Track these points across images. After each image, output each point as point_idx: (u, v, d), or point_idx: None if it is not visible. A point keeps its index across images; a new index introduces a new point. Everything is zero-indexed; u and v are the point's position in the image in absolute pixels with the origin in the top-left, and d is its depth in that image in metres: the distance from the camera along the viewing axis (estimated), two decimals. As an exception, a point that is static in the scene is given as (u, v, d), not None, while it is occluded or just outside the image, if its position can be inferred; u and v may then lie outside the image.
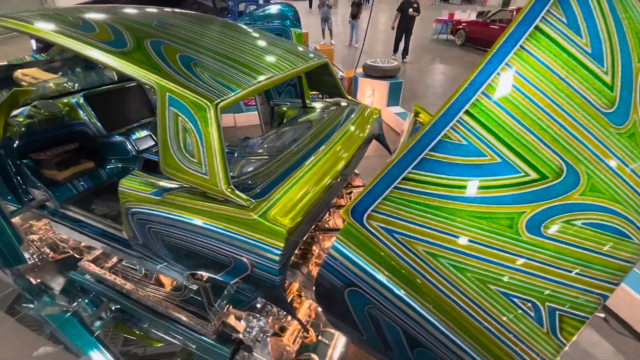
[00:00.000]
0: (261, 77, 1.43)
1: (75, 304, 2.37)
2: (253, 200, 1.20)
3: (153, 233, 1.39)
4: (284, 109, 2.50)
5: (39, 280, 2.60)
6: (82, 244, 2.50)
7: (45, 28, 1.35)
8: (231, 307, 1.84)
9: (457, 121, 0.96)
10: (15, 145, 1.92)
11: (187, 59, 1.35)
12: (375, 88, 4.67)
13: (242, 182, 1.34)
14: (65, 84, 2.49)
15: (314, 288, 1.14)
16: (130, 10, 1.73)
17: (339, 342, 1.95)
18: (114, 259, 2.30)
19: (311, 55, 1.99)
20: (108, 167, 2.44)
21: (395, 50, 8.26)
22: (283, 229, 1.14)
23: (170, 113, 1.22)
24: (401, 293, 1.01)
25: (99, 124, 2.24)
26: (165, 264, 1.58)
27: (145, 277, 2.23)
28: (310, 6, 18.00)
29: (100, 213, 2.05)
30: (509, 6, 22.16)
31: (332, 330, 2.00)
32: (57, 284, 2.61)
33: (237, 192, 1.20)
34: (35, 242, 2.59)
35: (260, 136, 2.04)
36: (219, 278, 1.32)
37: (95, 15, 1.51)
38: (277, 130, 2.06)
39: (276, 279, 1.17)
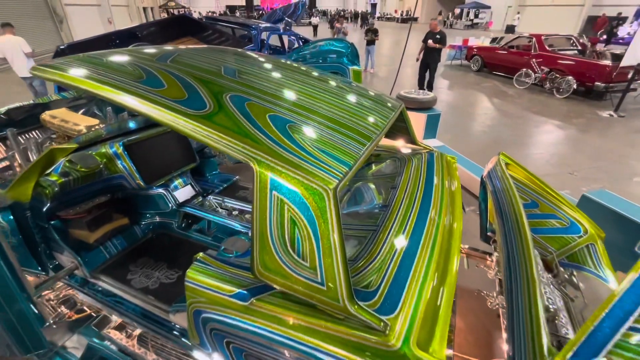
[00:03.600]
0: (366, 141, 1.15)
1: None
2: (385, 319, 0.88)
3: (234, 350, 1.05)
4: None
5: (59, 346, 2.23)
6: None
7: (106, 83, 1.07)
8: None
9: None
10: (45, 208, 1.62)
11: (280, 120, 1.07)
12: (411, 120, 4.43)
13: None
14: (98, 128, 2.23)
15: None
16: (188, 52, 1.48)
17: None
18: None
19: (389, 100, 1.73)
20: (143, 222, 2.13)
21: (420, 85, 7.59)
22: None
23: (273, 199, 0.91)
24: None
25: (138, 177, 1.95)
26: None
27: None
28: (315, 34, 18.16)
29: (139, 286, 1.72)
30: (514, 31, 22.59)
31: None
32: (78, 349, 2.23)
33: (366, 309, 0.87)
34: (50, 301, 2.25)
35: None
36: None
37: (154, 64, 1.24)
38: (350, 186, 1.76)
39: None
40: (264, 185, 0.92)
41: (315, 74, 1.64)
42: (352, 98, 1.46)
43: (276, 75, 1.46)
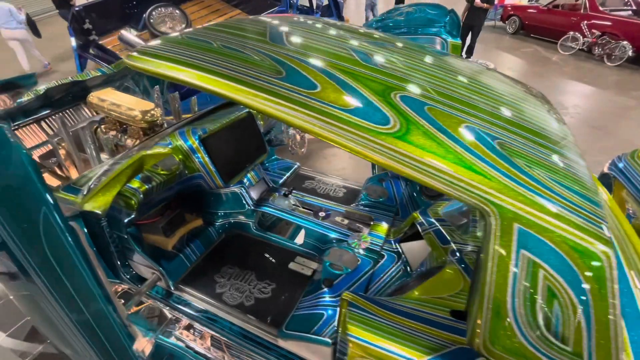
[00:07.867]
0: (579, 158, 0.88)
1: None
2: None
3: None
4: None
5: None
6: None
7: (248, 85, 0.79)
8: None
9: None
10: (127, 219, 1.39)
11: (483, 135, 0.79)
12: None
13: None
14: (153, 113, 1.93)
15: None
16: (292, 26, 1.15)
17: None
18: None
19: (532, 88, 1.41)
20: (217, 222, 1.91)
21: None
22: None
23: (520, 260, 0.66)
24: None
25: (217, 176, 1.69)
26: None
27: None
28: None
29: (233, 302, 1.54)
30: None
31: None
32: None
33: None
34: None
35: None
36: None
37: (281, 50, 0.93)
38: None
39: None
40: (507, 241, 0.66)
41: (450, 56, 1.31)
42: (518, 94, 1.15)
43: (412, 59, 1.13)
